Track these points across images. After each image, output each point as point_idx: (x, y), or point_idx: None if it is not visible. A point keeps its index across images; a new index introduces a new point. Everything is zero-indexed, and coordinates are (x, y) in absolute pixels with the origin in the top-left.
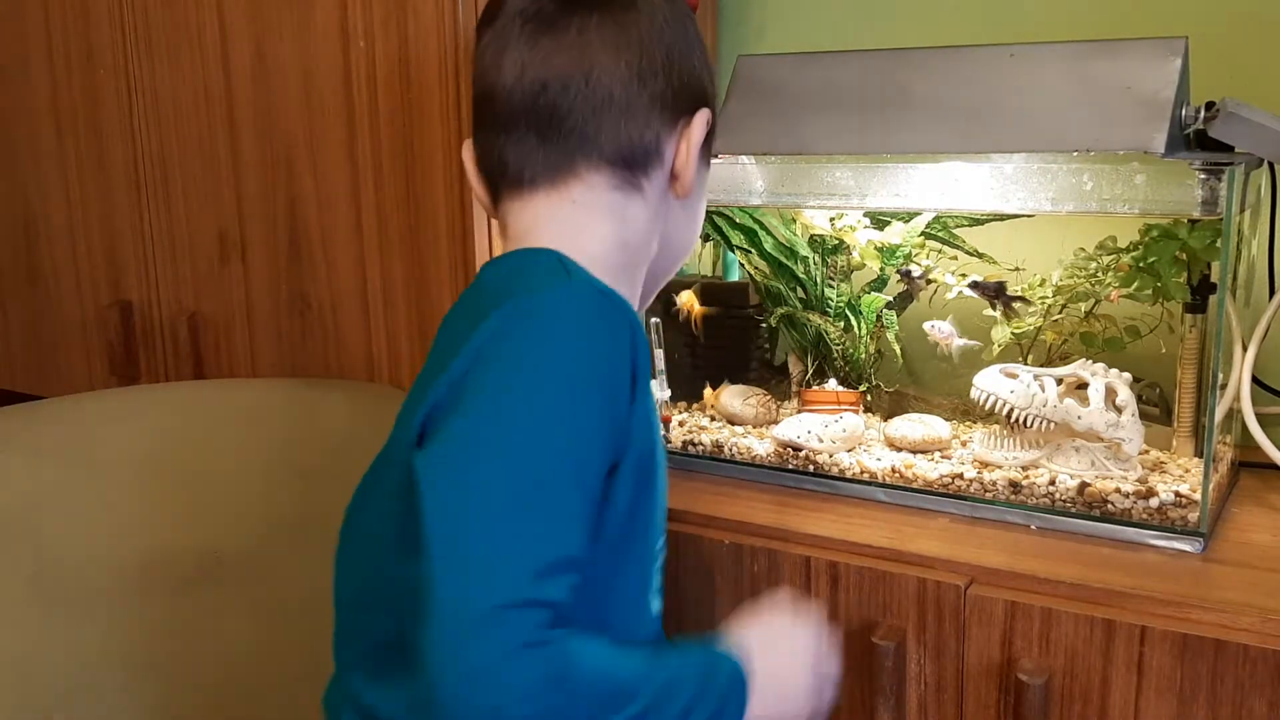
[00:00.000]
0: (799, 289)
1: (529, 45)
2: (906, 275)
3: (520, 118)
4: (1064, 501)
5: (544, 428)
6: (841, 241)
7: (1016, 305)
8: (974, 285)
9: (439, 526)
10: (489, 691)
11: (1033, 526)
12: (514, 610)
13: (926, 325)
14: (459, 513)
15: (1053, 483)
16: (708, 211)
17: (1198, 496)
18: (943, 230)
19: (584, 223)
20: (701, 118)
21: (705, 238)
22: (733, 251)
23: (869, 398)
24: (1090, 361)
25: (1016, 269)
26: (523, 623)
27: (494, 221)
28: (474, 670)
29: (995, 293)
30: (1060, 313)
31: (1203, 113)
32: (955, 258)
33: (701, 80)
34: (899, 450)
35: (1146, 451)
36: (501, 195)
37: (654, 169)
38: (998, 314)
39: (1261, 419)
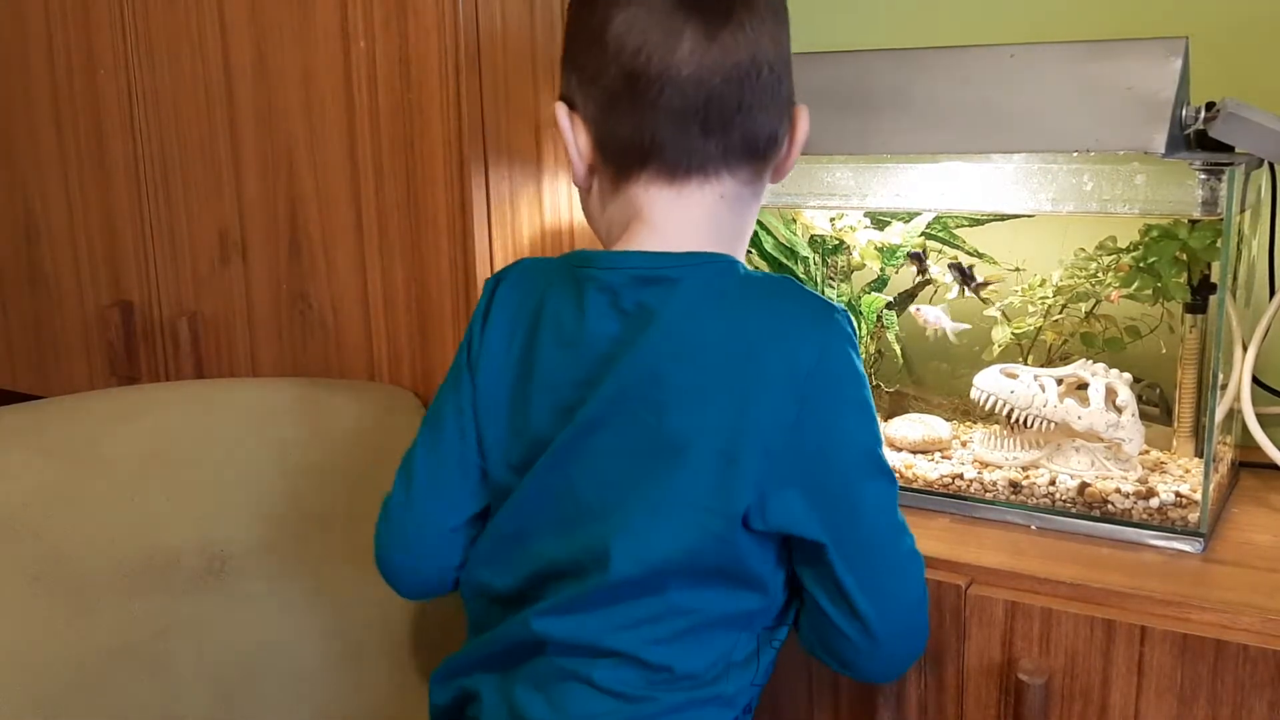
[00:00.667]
0: None
1: (705, 36)
2: (917, 258)
3: (691, 108)
4: (1064, 502)
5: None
6: (842, 242)
7: (984, 293)
8: (951, 266)
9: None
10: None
11: (1033, 527)
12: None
13: (913, 308)
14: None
15: (1053, 483)
16: None
17: (1198, 497)
18: (943, 230)
19: (725, 218)
20: (805, 112)
21: None
22: None
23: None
24: (1090, 362)
25: (1017, 269)
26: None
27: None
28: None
29: (962, 276)
30: (1060, 313)
31: (1203, 113)
32: (955, 258)
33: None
34: (899, 450)
35: (1147, 452)
36: (637, 177)
37: (776, 158)
38: (967, 295)
39: (1262, 419)
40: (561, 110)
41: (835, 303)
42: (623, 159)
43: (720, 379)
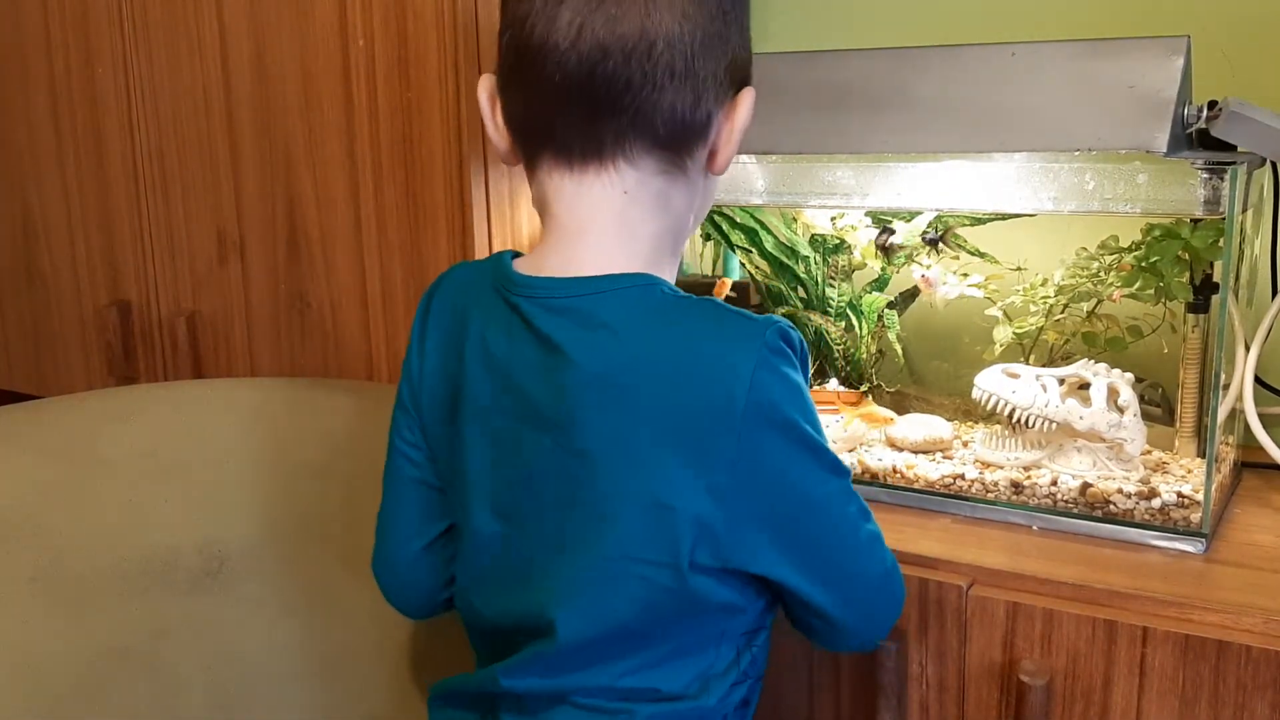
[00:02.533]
0: (800, 289)
1: (587, 4)
2: (932, 243)
3: (573, 88)
4: (1066, 502)
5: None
6: (842, 241)
7: (944, 248)
8: (923, 237)
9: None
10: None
11: (1034, 527)
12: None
13: (915, 272)
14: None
15: (1054, 483)
16: (709, 211)
17: (1200, 497)
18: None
19: (637, 218)
20: (749, 97)
21: (706, 237)
22: (733, 251)
23: (870, 398)
24: (1092, 361)
25: (1019, 268)
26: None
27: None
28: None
29: (932, 242)
30: (1062, 312)
31: (1205, 112)
32: (957, 257)
33: (749, 54)
34: (900, 450)
35: (1149, 452)
36: (540, 159)
37: (698, 147)
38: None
39: (1264, 419)
40: (484, 82)
41: (764, 316)
42: (524, 141)
43: (644, 420)
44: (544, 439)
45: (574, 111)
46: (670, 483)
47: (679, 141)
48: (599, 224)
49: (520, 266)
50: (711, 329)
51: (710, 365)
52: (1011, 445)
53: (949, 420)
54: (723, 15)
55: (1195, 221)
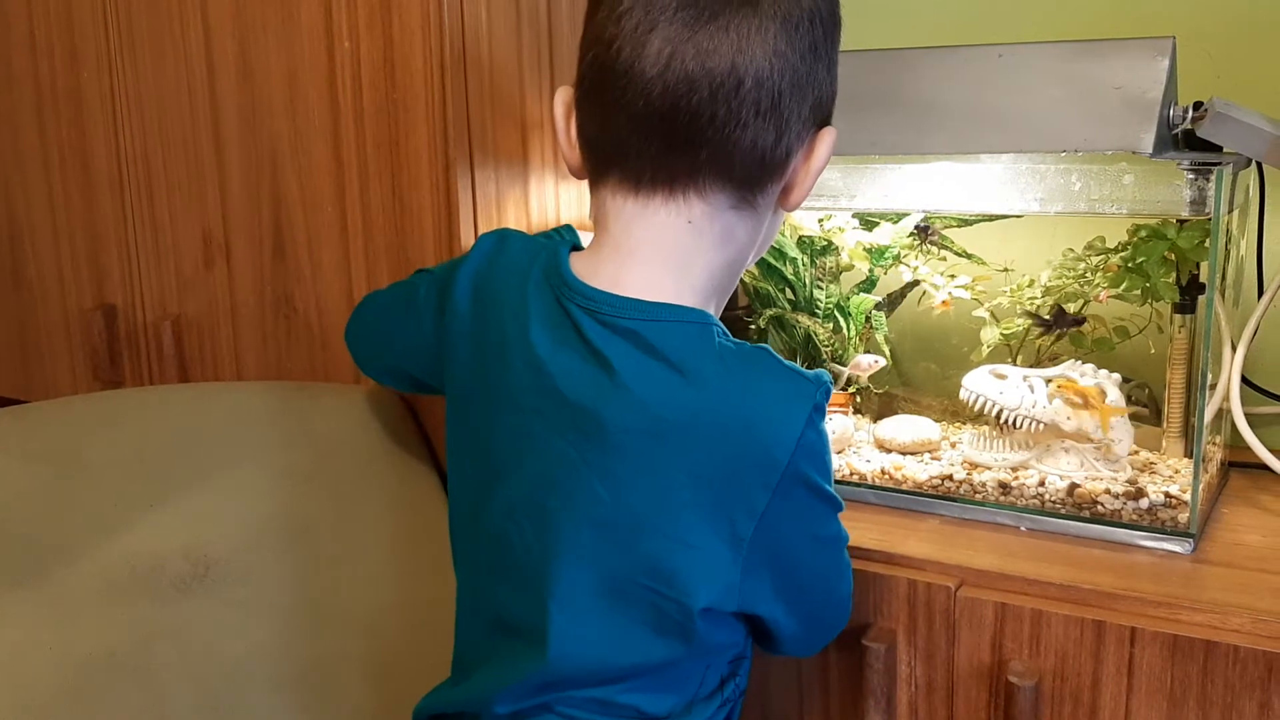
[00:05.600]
0: (788, 290)
1: (684, 29)
2: (924, 231)
3: (654, 117)
4: (1054, 503)
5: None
6: (830, 242)
7: (934, 244)
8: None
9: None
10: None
11: (1022, 528)
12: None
13: (938, 296)
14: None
15: (1042, 484)
16: None
17: (1187, 497)
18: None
19: (695, 249)
20: (830, 136)
21: None
22: None
23: (858, 399)
24: (1080, 362)
25: (1006, 269)
26: None
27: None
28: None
29: (923, 235)
30: (1050, 313)
31: (1190, 113)
32: (944, 258)
33: (835, 92)
34: (888, 452)
35: (1136, 452)
36: (606, 179)
37: (773, 184)
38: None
39: (1251, 419)
40: (561, 94)
41: (811, 373)
42: (594, 158)
43: (684, 462)
44: (572, 451)
45: (651, 140)
46: (693, 526)
47: (754, 178)
48: (655, 249)
49: (575, 268)
50: (769, 386)
51: (765, 424)
52: (999, 446)
53: (937, 421)
54: (814, 53)
55: (1181, 222)
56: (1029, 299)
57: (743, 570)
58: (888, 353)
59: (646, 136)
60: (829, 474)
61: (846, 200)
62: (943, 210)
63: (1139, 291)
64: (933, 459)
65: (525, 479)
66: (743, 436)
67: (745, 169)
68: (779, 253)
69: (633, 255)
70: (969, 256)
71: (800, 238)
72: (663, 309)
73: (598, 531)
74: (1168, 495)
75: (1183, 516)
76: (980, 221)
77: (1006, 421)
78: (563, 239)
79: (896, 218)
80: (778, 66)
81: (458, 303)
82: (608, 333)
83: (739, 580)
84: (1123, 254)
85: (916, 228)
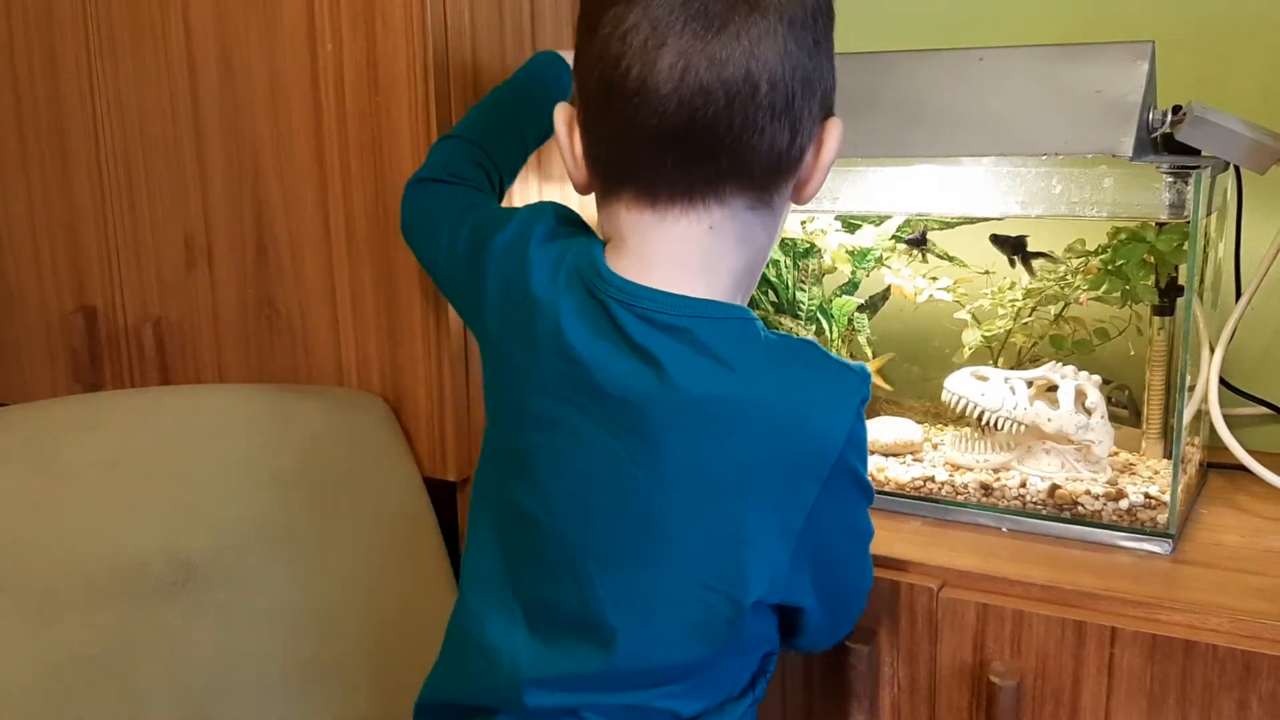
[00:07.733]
0: (770, 292)
1: (696, 41)
2: (917, 242)
3: (670, 131)
4: (1035, 504)
5: None
6: (813, 245)
7: (1036, 263)
8: (993, 238)
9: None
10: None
11: (1004, 529)
12: None
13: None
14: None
15: (1023, 485)
16: None
17: (1166, 498)
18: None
19: (719, 252)
20: (837, 128)
21: None
22: None
23: None
24: (1060, 364)
25: (986, 272)
26: None
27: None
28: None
29: (1014, 247)
30: (1030, 315)
31: (1169, 116)
32: (925, 261)
33: (835, 83)
34: (871, 453)
35: (1116, 453)
36: (619, 195)
37: (787, 181)
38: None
39: (1229, 420)
40: (561, 111)
41: (856, 364)
42: (605, 174)
43: (735, 456)
44: (615, 446)
45: (666, 155)
46: (747, 520)
47: (771, 179)
48: (678, 256)
49: (610, 262)
50: (819, 380)
51: (817, 418)
52: (981, 448)
53: (919, 423)
54: (817, 48)
55: (1160, 225)
56: (1010, 301)
57: (791, 561)
58: (870, 354)
59: (662, 151)
60: (866, 463)
61: (829, 203)
62: (924, 213)
63: (1118, 294)
64: (915, 460)
65: (558, 469)
66: (795, 430)
67: (764, 171)
68: None
69: (655, 263)
70: (950, 259)
71: (783, 240)
72: (706, 305)
73: (642, 529)
74: (1147, 496)
75: (1162, 517)
76: (962, 224)
77: (988, 423)
78: (593, 236)
79: (878, 220)
80: (789, 67)
81: (487, 264)
82: (649, 328)
83: (787, 572)
84: (1102, 256)
85: (908, 239)
